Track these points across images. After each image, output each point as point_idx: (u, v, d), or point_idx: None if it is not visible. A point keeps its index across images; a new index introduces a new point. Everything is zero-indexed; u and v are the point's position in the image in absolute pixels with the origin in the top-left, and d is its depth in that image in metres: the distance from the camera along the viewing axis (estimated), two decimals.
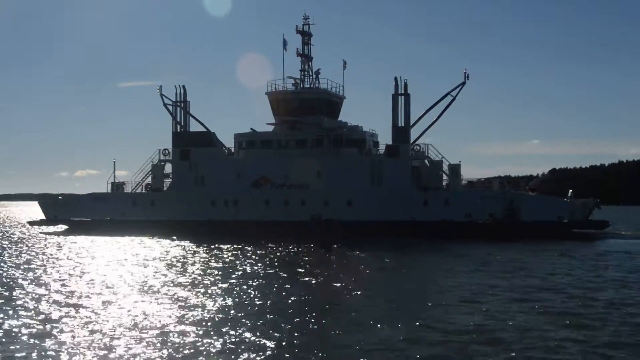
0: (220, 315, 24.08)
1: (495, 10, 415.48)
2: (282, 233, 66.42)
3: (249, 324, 22.35)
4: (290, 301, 27.22)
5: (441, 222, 67.01)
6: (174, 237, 64.86)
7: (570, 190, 73.10)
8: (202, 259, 44.72)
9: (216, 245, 55.86)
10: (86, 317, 23.75)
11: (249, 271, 37.65)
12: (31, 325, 22.33)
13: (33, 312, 24.78)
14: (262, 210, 72.72)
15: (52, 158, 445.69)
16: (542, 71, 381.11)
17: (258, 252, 49.97)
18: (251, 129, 78.84)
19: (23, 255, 48.89)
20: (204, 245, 56.09)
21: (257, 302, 26.80)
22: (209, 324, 22.62)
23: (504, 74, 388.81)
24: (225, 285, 31.62)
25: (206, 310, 24.99)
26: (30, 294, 29.08)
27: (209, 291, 29.81)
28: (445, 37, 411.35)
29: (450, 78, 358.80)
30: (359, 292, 29.55)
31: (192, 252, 50.61)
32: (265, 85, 78.28)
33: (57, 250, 53.08)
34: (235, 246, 54.48)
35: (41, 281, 33.56)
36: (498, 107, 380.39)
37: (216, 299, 27.70)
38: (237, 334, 21.00)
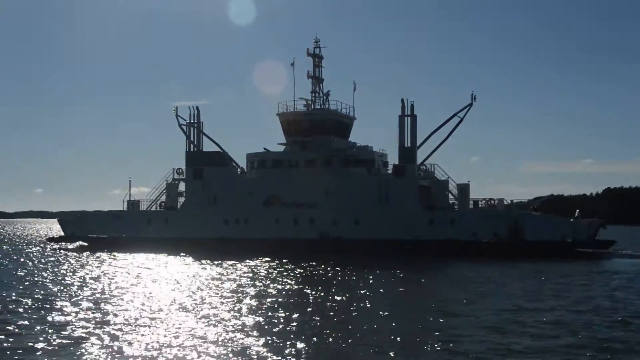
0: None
1: (536, 27, 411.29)
2: (292, 251, 68.08)
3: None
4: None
5: (447, 241, 68.17)
6: (205, 256, 63.68)
7: (577, 211, 73.94)
8: (255, 277, 45.30)
9: (250, 261, 57.09)
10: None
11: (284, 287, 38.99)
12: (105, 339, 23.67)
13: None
14: (272, 228, 74.44)
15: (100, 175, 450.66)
16: (590, 92, 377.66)
17: (295, 269, 50.75)
18: (264, 148, 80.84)
19: (74, 274, 47.83)
20: (243, 262, 56.57)
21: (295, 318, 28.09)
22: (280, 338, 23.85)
23: (554, 94, 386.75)
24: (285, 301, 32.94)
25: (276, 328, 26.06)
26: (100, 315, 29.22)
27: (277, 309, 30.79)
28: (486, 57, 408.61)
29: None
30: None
31: (235, 269, 50.77)
32: (277, 103, 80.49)
33: (101, 268, 52.38)
34: (271, 263, 56.00)
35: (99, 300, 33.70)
36: (549, 126, 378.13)
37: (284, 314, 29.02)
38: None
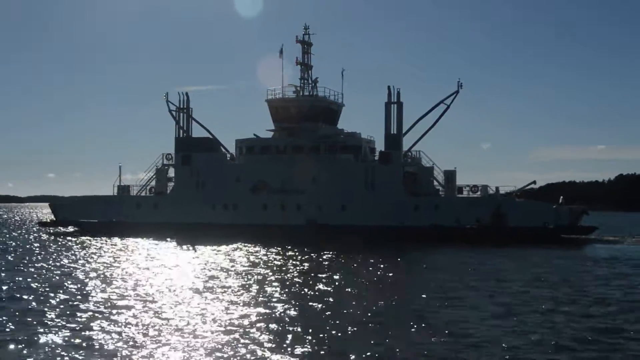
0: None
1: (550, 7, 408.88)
2: (279, 236, 68.95)
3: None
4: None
5: (430, 227, 69.07)
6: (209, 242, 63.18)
7: (561, 197, 74.86)
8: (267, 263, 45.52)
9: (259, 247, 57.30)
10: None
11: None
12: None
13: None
14: (259, 214, 75.30)
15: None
16: (607, 75, 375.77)
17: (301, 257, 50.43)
18: (254, 134, 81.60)
19: (87, 261, 46.64)
20: (253, 247, 56.88)
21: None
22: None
23: (568, 77, 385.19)
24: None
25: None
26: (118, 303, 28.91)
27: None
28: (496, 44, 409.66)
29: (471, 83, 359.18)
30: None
31: (252, 255, 50.92)
32: (266, 90, 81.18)
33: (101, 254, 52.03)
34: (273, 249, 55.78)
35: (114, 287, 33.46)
36: (561, 112, 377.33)
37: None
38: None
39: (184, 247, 58.64)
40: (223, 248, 56.90)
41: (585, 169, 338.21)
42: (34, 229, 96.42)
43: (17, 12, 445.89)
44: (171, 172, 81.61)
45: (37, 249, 58.20)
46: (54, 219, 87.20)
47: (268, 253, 52.83)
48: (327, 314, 26.26)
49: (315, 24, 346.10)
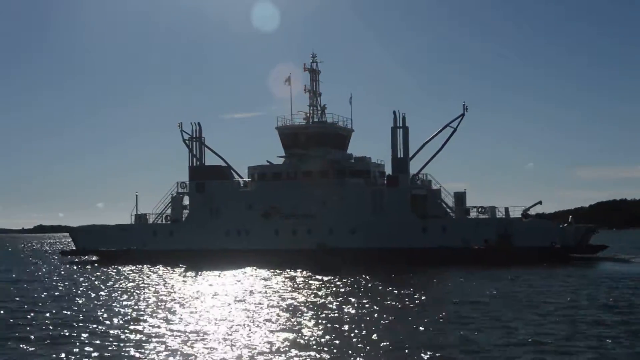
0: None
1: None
2: (291, 260, 70.36)
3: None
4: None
5: (438, 249, 70.10)
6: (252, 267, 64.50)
7: (570, 216, 75.59)
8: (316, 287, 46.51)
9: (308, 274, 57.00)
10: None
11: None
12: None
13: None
14: (271, 239, 76.90)
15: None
16: None
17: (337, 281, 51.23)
18: (267, 161, 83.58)
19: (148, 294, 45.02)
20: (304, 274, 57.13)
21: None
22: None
23: (609, 98, 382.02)
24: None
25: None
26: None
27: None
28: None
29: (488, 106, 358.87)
30: None
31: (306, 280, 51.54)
32: (276, 117, 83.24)
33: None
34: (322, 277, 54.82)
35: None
36: (604, 130, 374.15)
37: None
38: None
39: (215, 274, 59.10)
40: (259, 273, 58.16)
41: (632, 187, 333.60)
42: (56, 257, 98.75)
43: (58, 51, 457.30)
44: (186, 200, 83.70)
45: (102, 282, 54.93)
46: (74, 248, 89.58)
47: (307, 277, 53.51)
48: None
49: (328, 41, 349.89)
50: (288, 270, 60.06)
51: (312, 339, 26.96)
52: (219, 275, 57.46)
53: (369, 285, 47.66)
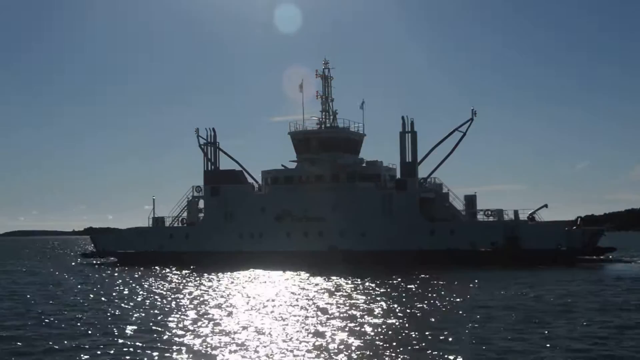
0: None
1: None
2: (302, 262, 72.05)
3: None
4: None
5: (447, 251, 71.32)
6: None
7: (579, 218, 76.32)
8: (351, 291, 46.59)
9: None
10: None
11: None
12: None
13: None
14: (284, 241, 78.68)
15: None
16: None
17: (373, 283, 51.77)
18: (282, 165, 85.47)
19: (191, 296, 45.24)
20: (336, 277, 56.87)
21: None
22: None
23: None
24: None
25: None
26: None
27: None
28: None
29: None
30: None
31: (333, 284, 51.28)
32: (288, 123, 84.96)
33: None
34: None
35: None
36: None
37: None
38: None
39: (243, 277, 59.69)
40: (286, 275, 59.41)
41: None
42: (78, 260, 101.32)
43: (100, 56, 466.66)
44: (201, 204, 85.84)
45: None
46: (94, 250, 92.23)
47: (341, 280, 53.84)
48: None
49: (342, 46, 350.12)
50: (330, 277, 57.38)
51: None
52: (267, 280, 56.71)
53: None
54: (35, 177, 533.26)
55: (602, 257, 71.60)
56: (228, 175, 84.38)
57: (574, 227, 71.77)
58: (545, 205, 72.74)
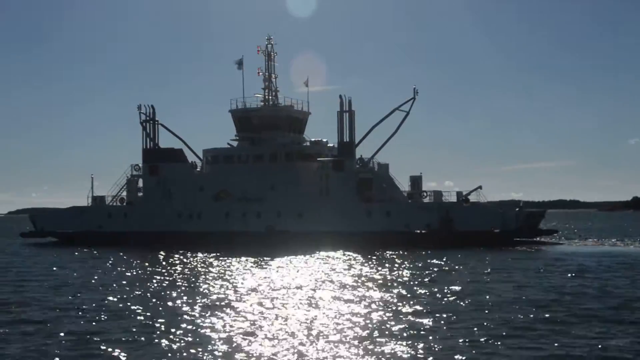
0: None
1: None
2: (241, 243, 70.83)
3: None
4: None
5: (382, 232, 70.45)
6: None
7: (521, 201, 76.03)
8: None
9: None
10: None
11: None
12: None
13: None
14: (222, 221, 77.43)
15: None
16: None
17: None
18: (228, 143, 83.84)
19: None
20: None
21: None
22: None
23: None
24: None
25: None
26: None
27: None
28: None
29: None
30: None
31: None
32: (229, 100, 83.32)
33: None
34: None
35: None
36: None
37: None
38: None
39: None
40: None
41: None
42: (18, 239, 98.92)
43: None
44: (141, 183, 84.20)
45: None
46: (34, 229, 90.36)
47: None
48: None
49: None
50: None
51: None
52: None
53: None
54: None
55: (539, 239, 71.09)
56: (167, 153, 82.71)
57: (517, 209, 71.32)
58: (480, 187, 72.11)
